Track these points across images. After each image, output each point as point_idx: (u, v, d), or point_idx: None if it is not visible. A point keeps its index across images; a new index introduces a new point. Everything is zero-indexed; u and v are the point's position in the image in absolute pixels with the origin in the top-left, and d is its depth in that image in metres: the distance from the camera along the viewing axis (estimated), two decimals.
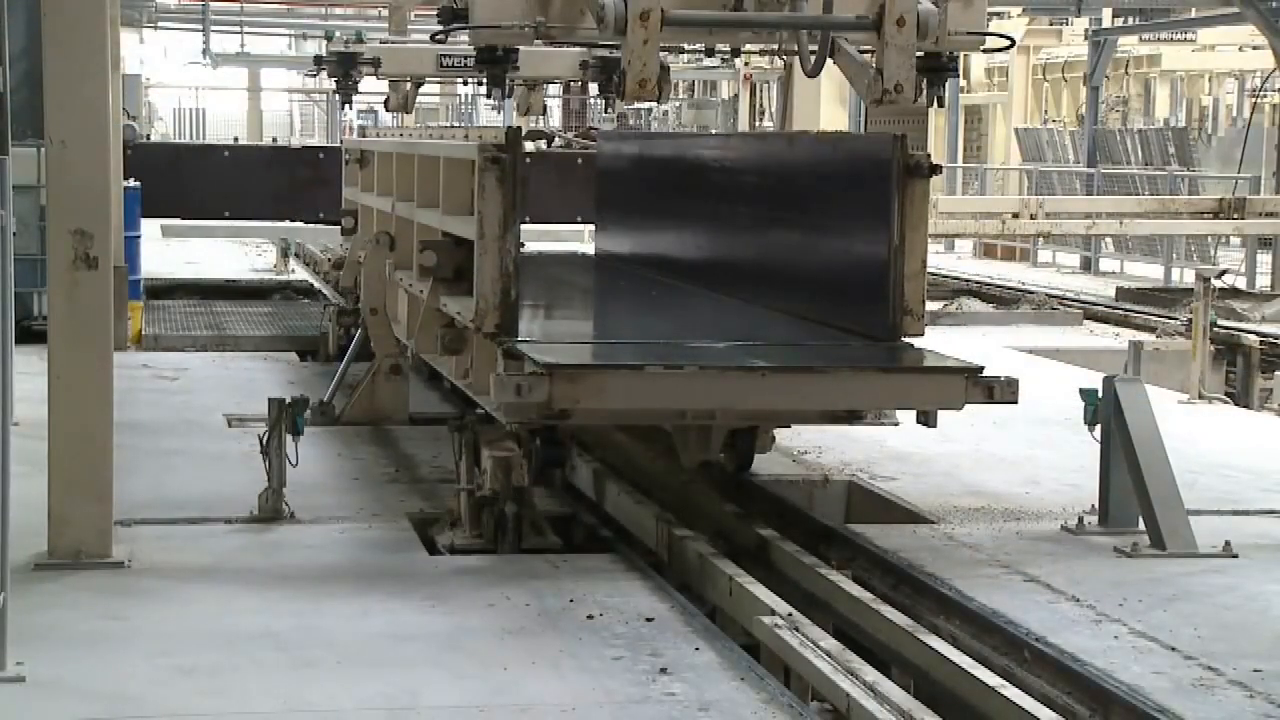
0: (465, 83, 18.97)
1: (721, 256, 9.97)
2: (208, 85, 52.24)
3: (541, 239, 18.76)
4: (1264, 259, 23.52)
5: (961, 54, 8.05)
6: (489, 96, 9.99)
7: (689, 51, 21.73)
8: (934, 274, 19.67)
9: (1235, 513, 8.68)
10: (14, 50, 6.50)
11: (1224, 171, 29.29)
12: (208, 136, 48.99)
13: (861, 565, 7.68)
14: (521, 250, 7.74)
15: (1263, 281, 22.87)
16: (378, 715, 5.58)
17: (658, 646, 6.29)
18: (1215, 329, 13.51)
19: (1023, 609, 6.77)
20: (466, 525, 8.09)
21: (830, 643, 6.31)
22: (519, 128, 8.60)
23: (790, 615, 6.63)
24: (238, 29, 38.39)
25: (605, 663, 6.11)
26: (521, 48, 8.05)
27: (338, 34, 14.74)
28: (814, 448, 10.06)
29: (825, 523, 8.45)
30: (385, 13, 18.00)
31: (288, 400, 8.12)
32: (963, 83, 38.35)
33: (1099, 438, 8.24)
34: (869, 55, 7.36)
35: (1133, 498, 7.97)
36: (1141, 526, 7.92)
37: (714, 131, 32.29)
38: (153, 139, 27.29)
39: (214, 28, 37.07)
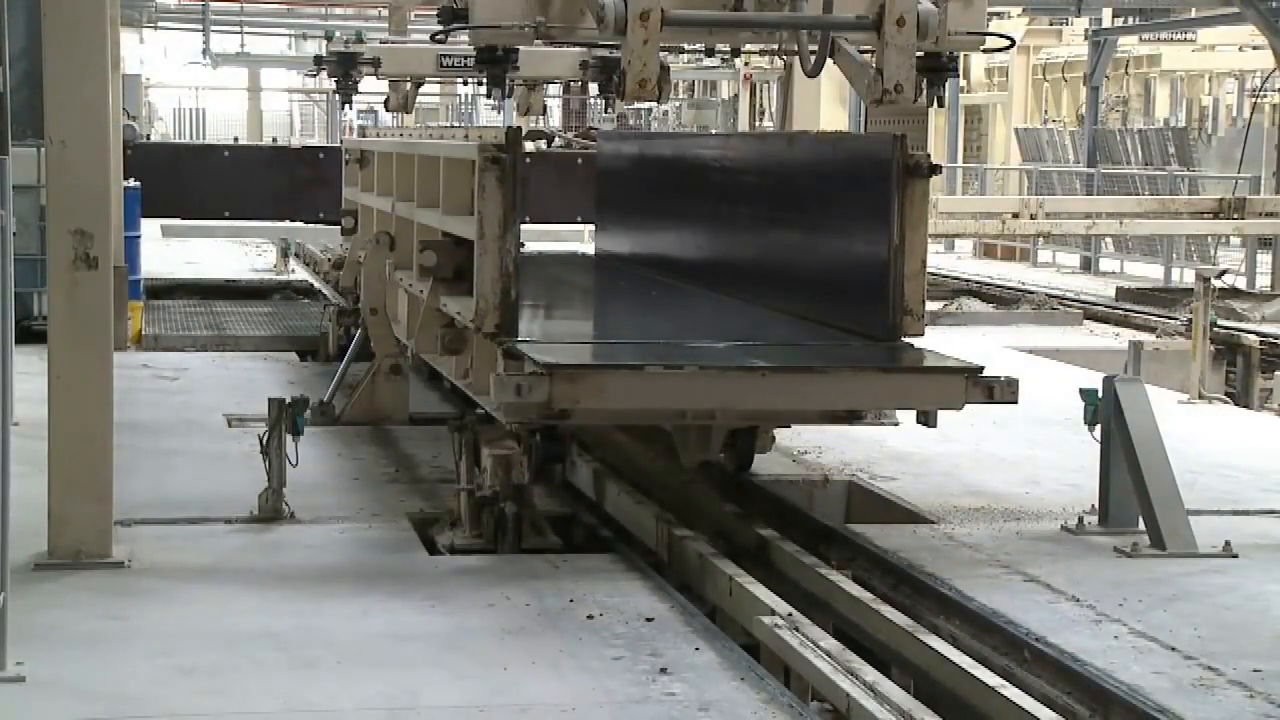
0: (465, 83, 18.97)
1: (721, 256, 9.97)
2: (208, 85, 52.24)
3: (541, 239, 18.76)
4: (1264, 259, 23.52)
5: (961, 54, 8.05)
6: (489, 96, 9.99)
7: (689, 51, 21.73)
8: (934, 274, 19.68)
9: (1235, 513, 8.68)
10: (14, 50, 6.50)
11: (1224, 171, 29.30)
12: (208, 136, 48.99)
13: (861, 565, 7.68)
14: (521, 250, 7.74)
15: (1263, 281, 22.87)
16: (378, 715, 5.58)
17: (658, 646, 6.29)
18: (1215, 329, 13.51)
19: (1023, 609, 6.77)
20: (466, 525, 8.09)
21: (830, 643, 6.31)
22: (519, 128, 8.60)
23: (790, 615, 6.63)
24: (238, 29, 38.40)
25: (605, 663, 6.11)
26: (521, 48, 8.05)
27: (338, 34, 14.74)
28: (814, 448, 10.06)
29: (825, 523, 8.45)
30: (385, 13, 18.00)
31: (288, 400, 8.12)
32: (963, 83, 38.35)
33: (1099, 438, 8.24)
34: (869, 55, 7.36)
35: (1133, 498, 7.97)
36: (1141, 526, 7.92)
37: (714, 131, 32.29)
38: (153, 139, 27.29)
39: (214, 28, 37.08)
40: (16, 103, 6.40)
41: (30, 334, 11.66)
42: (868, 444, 10.10)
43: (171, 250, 23.00)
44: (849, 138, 11.90)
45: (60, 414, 7.22)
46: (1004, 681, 5.96)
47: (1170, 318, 17.87)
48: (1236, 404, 13.77)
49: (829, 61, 7.45)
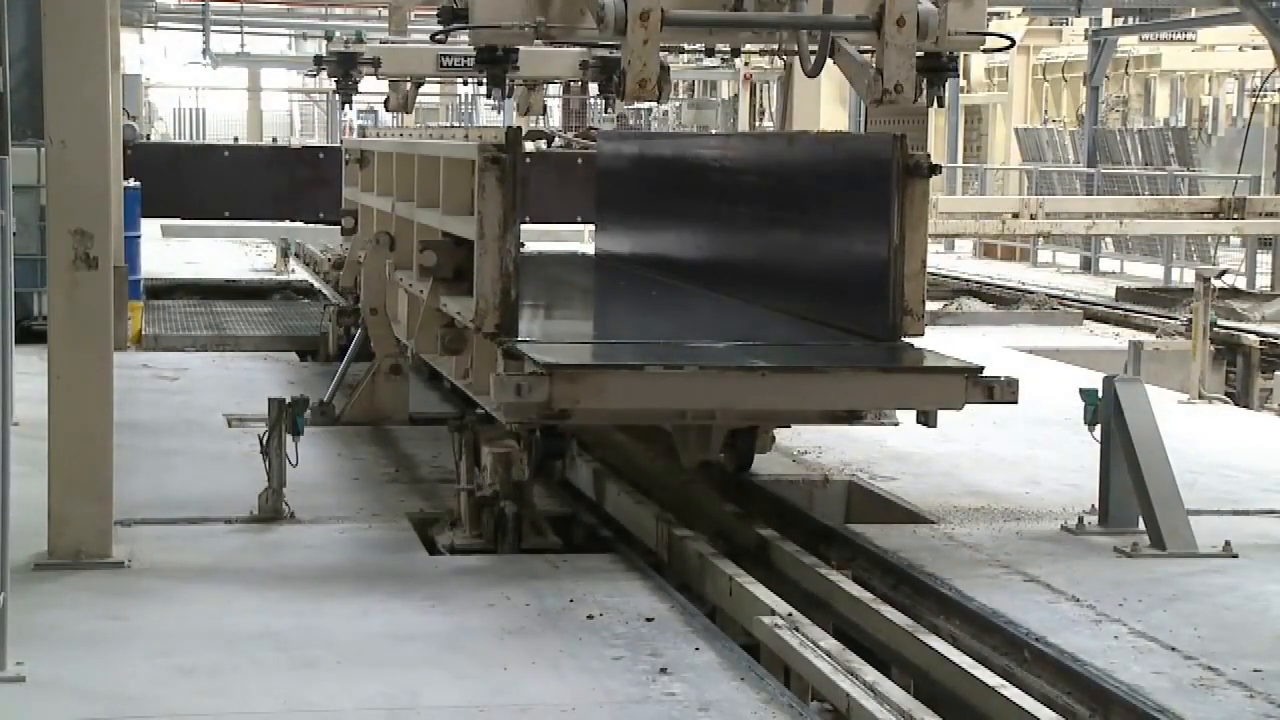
0: (465, 83, 18.97)
1: (721, 256, 9.97)
2: (208, 85, 52.25)
3: (541, 239, 18.76)
4: (1264, 259, 23.52)
5: (961, 54, 8.05)
6: (489, 96, 9.99)
7: (689, 51, 21.73)
8: (934, 274, 19.68)
9: (1235, 513, 8.68)
10: (14, 50, 6.50)
11: (1224, 171, 29.30)
12: (208, 136, 49.00)
13: (861, 565, 7.68)
14: (521, 250, 7.74)
15: (1263, 281, 22.88)
16: (378, 715, 5.58)
17: (658, 646, 6.29)
18: (1215, 329, 13.51)
19: (1023, 609, 6.77)
20: (466, 525, 8.09)
21: (830, 643, 6.31)
22: (519, 128, 8.60)
23: (790, 615, 6.63)
24: (238, 29, 38.39)
25: (605, 663, 6.11)
26: (521, 48, 8.05)
27: (338, 34, 14.74)
28: (814, 448, 10.06)
29: (825, 523, 8.45)
30: (385, 13, 18.00)
31: (288, 400, 8.12)
32: (963, 83, 38.35)
33: (1099, 438, 8.24)
34: (869, 55, 7.36)
35: (1133, 498, 7.97)
36: (1141, 526, 7.92)
37: (714, 131, 32.29)
38: (153, 139, 27.29)
39: (214, 28, 37.08)
40: (16, 103, 6.40)
41: (30, 334, 11.66)
42: (868, 444, 10.10)
43: (171, 250, 23.00)
44: (849, 138, 11.90)
45: (60, 414, 7.22)
46: (1004, 681, 5.96)
47: (1170, 318, 17.87)
48: (1236, 404, 13.77)
49: (829, 61, 7.45)
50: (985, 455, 10.10)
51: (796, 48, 7.80)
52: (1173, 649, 6.31)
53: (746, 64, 28.56)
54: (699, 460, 8.06)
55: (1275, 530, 8.37)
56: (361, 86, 14.23)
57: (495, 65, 7.89)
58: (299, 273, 20.42)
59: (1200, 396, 12.54)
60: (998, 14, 30.25)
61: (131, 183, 14.63)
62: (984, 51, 8.12)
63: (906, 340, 7.84)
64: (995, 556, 7.65)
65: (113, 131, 10.28)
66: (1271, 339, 15.89)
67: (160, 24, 36.51)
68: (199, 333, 14.82)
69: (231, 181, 16.24)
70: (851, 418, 8.09)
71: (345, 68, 13.75)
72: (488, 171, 7.58)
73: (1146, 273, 25.24)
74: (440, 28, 8.01)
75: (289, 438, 8.06)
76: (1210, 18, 28.00)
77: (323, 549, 7.74)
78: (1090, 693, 5.91)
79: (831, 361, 7.67)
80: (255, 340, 14.53)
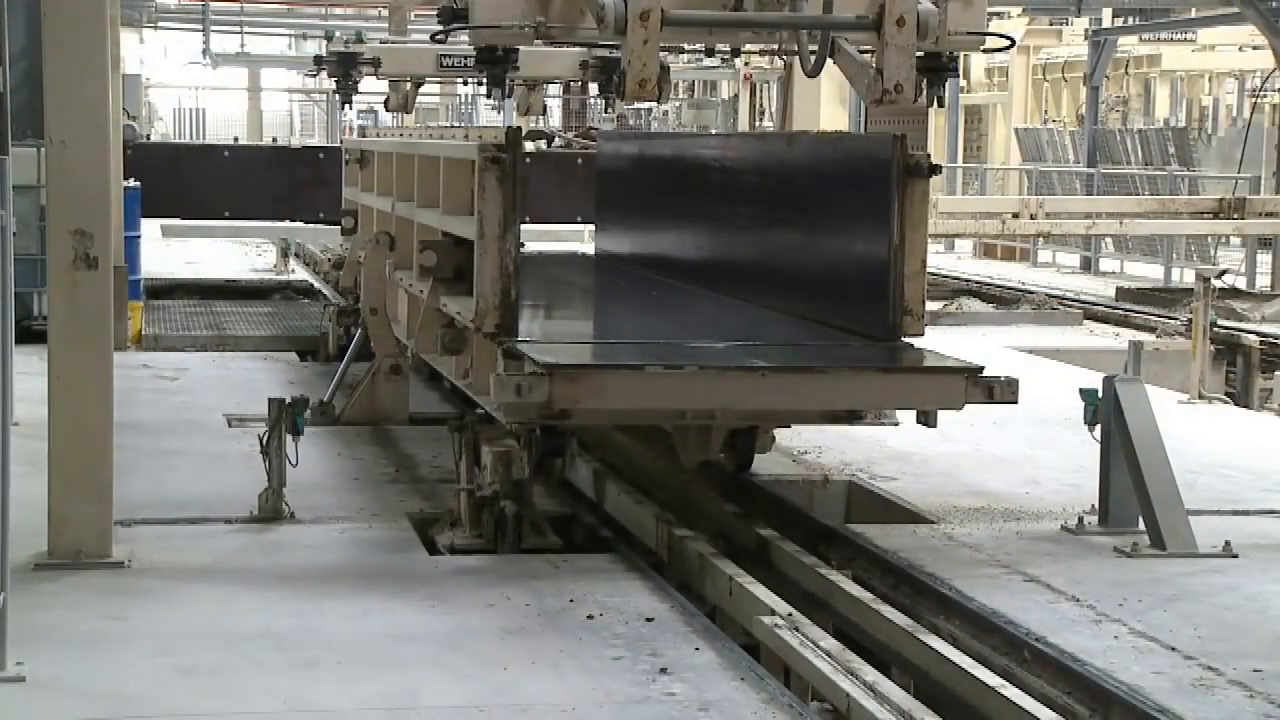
0: (465, 83, 18.97)
1: (721, 256, 9.97)
2: (208, 85, 52.26)
3: (541, 239, 18.76)
4: (1264, 259, 23.52)
5: (961, 54, 8.05)
6: (489, 96, 9.99)
7: (689, 51, 21.72)
8: (934, 274, 19.68)
9: (1235, 513, 8.68)
10: (14, 50, 6.50)
11: (1224, 171, 29.30)
12: (208, 136, 49.02)
13: (861, 565, 7.68)
14: (521, 250, 7.74)
15: (1263, 281, 22.88)
16: (378, 715, 5.58)
17: (658, 646, 6.29)
18: (1215, 329, 13.51)
19: (1023, 609, 6.77)
20: (466, 525, 8.09)
21: (830, 643, 6.31)
22: (519, 128, 8.60)
23: (790, 615, 6.63)
24: (238, 29, 38.39)
25: (605, 663, 6.11)
26: (521, 48, 8.05)
27: (338, 34, 14.73)
28: (814, 448, 10.06)
29: (825, 523, 8.44)
30: (385, 13, 18.00)
31: (288, 400, 8.12)
32: (963, 83, 38.35)
33: (1099, 438, 8.24)
34: (869, 55, 7.36)
35: (1133, 498, 7.97)
36: (1141, 526, 7.92)
37: (714, 131, 32.29)
38: (153, 139, 27.29)
39: (214, 28, 37.08)
40: (16, 103, 6.40)
41: (30, 334, 11.66)
42: (868, 444, 10.10)
43: (171, 250, 23.00)
44: (849, 138, 11.90)
45: (60, 414, 7.22)
46: (1004, 681, 5.96)
47: (1170, 318, 17.87)
48: (1236, 404, 13.77)
49: (829, 61, 7.45)
50: (985, 455, 10.10)
51: (796, 48, 7.80)
52: (1173, 649, 6.31)
53: (746, 64, 28.57)
54: (699, 460, 8.06)
55: (1275, 530, 8.37)
56: (361, 86, 14.23)
57: (495, 65, 7.89)
58: (299, 273, 20.42)
59: (1200, 396, 12.54)
60: (998, 14, 30.25)
61: (131, 183, 14.64)
62: (984, 51, 8.12)
63: (906, 340, 7.84)
64: (995, 556, 7.65)
65: (113, 131, 10.28)
66: (1271, 339, 15.89)
67: (160, 24, 36.52)
68: (199, 333, 14.82)
69: (231, 181, 16.24)
70: (851, 418, 8.09)
71: (345, 68, 13.75)
72: (488, 171, 7.58)
73: (1146, 273, 25.24)
74: (440, 28, 8.01)
75: (289, 438, 8.06)
76: (1210, 18, 28.00)
77: (323, 549, 7.74)
78: (1090, 693, 5.91)
79: (831, 361, 7.67)
80: (255, 340, 14.54)
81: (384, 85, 15.25)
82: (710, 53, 13.25)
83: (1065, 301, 20.43)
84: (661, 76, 7.02)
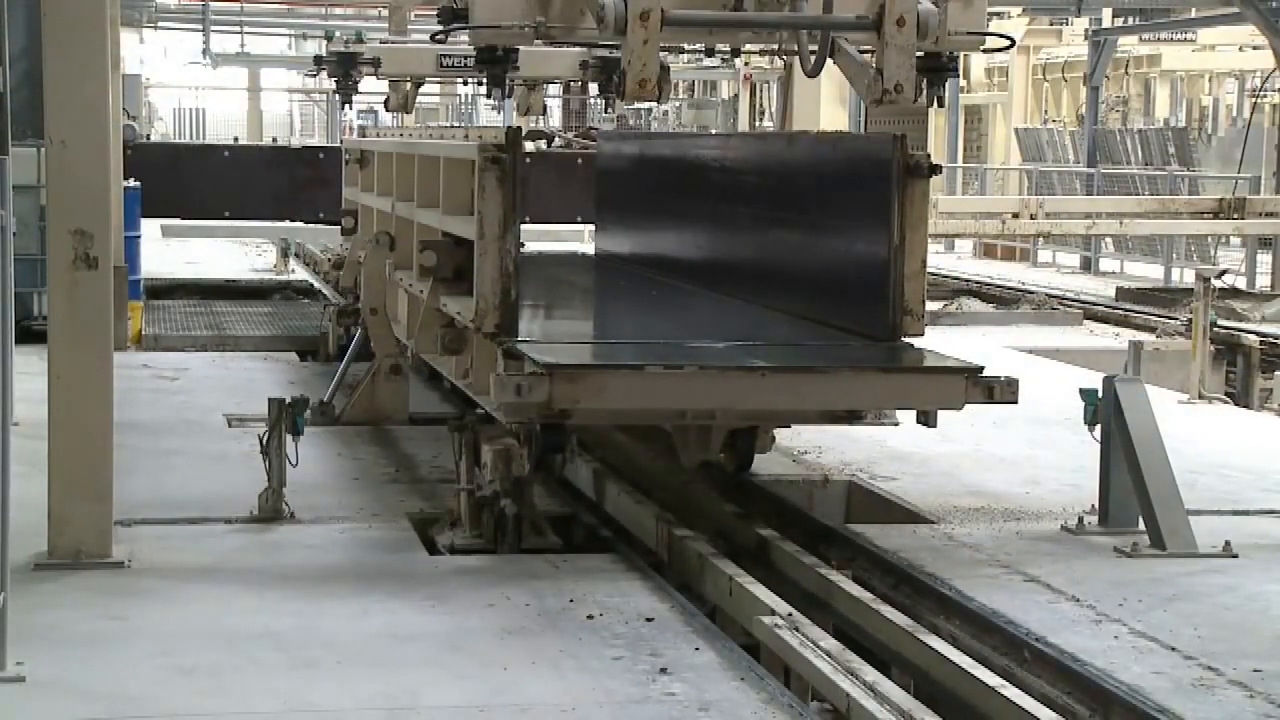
0: (465, 83, 18.96)
1: (721, 256, 9.97)
2: (208, 85, 52.27)
3: (541, 239, 18.77)
4: (1264, 259, 23.52)
5: (961, 54, 8.05)
6: (489, 96, 9.99)
7: (689, 51, 21.72)
8: (934, 274, 19.68)
9: (1235, 513, 8.68)
10: (14, 50, 6.49)
11: (1224, 171, 29.30)
12: (208, 136, 49.03)
13: (861, 565, 7.68)
14: (521, 250, 7.74)
15: (1263, 281, 22.88)
16: (378, 715, 5.58)
17: (658, 646, 6.29)
18: (1215, 329, 13.51)
19: (1023, 609, 6.77)
20: (466, 525, 8.09)
21: (830, 643, 6.31)
22: (519, 128, 8.60)
23: (790, 615, 6.63)
24: (238, 29, 38.39)
25: (605, 663, 6.11)
26: (521, 48, 8.05)
27: (338, 34, 14.73)
28: (814, 448, 10.06)
29: (825, 523, 8.45)
30: (385, 13, 18.00)
31: (288, 400, 8.12)
32: (963, 83, 38.36)
33: (1099, 438, 8.24)
34: (869, 55, 7.36)
35: (1133, 498, 7.97)
36: (1141, 526, 7.92)
37: (714, 131, 32.29)
38: (153, 139, 27.29)
39: (214, 28, 37.07)
40: (16, 103, 6.39)
41: (30, 334, 11.66)
42: (868, 444, 10.10)
43: (171, 250, 23.00)
44: (849, 138, 11.90)
45: (60, 414, 7.22)
46: (1004, 681, 5.96)
47: (1170, 318, 17.87)
48: (1236, 404, 13.77)
49: (829, 61, 7.45)
50: (985, 455, 10.10)
51: (796, 48, 7.80)
52: (1173, 649, 6.31)
53: (746, 64, 28.57)
54: (699, 460, 8.06)
55: (1275, 530, 8.37)
56: (361, 86, 14.23)
57: (495, 65, 7.89)
58: (299, 273, 20.42)
59: (1200, 396, 12.54)
60: (998, 14, 30.26)
61: (131, 183, 14.63)
62: (984, 51, 8.12)
63: (906, 340, 7.85)
64: (995, 556, 7.65)
65: (113, 131, 10.28)
66: (1271, 339, 15.89)
67: (160, 24, 36.52)
68: (199, 333, 14.82)
69: (231, 181, 16.23)
70: (851, 418, 8.09)
71: (345, 68, 13.76)
72: (488, 171, 7.58)
73: (1146, 273, 25.24)
74: (440, 28, 8.01)
75: (289, 438, 8.06)
76: (1210, 18, 28.00)
77: (323, 549, 7.74)
78: (1090, 693, 5.91)
79: (831, 361, 7.67)
80: (255, 340, 14.54)
81: (384, 85, 15.25)
82: (710, 53, 13.26)
83: (1065, 301, 20.43)
84: (661, 76, 7.02)
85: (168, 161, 16.30)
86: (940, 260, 26.04)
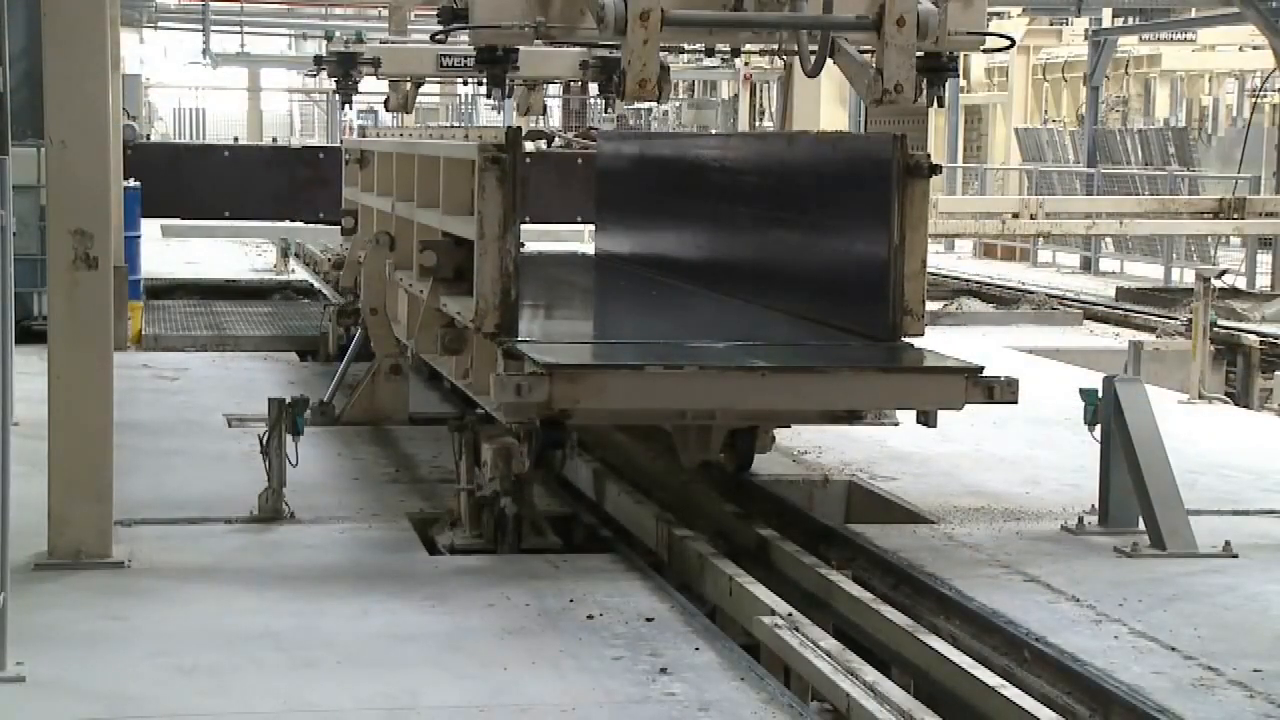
0: (465, 83, 18.97)
1: (721, 256, 9.97)
2: (208, 85, 52.26)
3: (541, 239, 18.77)
4: (1264, 259, 23.52)
5: (961, 54, 8.05)
6: (489, 96, 9.99)
7: (689, 51, 21.73)
8: (934, 274, 19.68)
9: (1235, 513, 8.68)
10: (14, 50, 6.50)
11: (1224, 171, 29.30)
12: (208, 136, 49.03)
13: (861, 565, 7.68)
14: (521, 250, 7.74)
15: (1263, 281, 22.88)
16: (378, 715, 5.58)
17: (658, 646, 6.29)
18: (1215, 329, 13.51)
19: (1023, 609, 6.77)
20: (466, 525, 8.09)
21: (830, 643, 6.31)
22: (519, 128, 8.60)
23: (790, 615, 6.63)
24: (238, 29, 38.40)
25: (605, 663, 6.11)
26: (521, 48, 8.05)
27: (338, 34, 14.74)
28: (814, 448, 10.06)
29: (825, 523, 8.45)
30: (385, 13, 18.00)
31: (288, 400, 8.12)
32: (963, 83, 38.36)
33: (1099, 438, 8.24)
34: (869, 55, 7.36)
35: (1133, 498, 7.97)
36: (1141, 526, 7.92)
37: (714, 131, 32.29)
38: (153, 139, 27.29)
39: (214, 28, 37.08)
40: (16, 103, 6.39)
41: (30, 334, 11.66)
42: (868, 444, 10.10)
43: (171, 250, 23.00)
44: (849, 138, 11.90)
45: (60, 414, 7.22)
46: (1004, 681, 5.96)
47: (1170, 318, 17.87)
48: (1236, 404, 13.77)
49: (829, 61, 7.45)
50: (985, 455, 10.10)
51: (796, 48, 7.80)
52: (1173, 649, 6.31)
53: (746, 64, 28.57)
54: (699, 460, 8.06)
55: (1275, 530, 8.37)
56: (361, 86, 14.23)
57: (495, 65, 7.89)
58: (299, 273, 20.42)
59: (1200, 396, 12.53)
60: (998, 14, 30.25)
61: (131, 183, 14.63)
62: (984, 51, 8.12)
63: (906, 340, 7.85)
64: (995, 556, 7.65)
65: (113, 131, 10.28)
66: (1271, 339, 15.89)
67: (160, 24, 36.52)
68: (199, 333, 14.82)
69: (231, 181, 16.23)
70: (851, 418, 8.09)
71: (345, 68, 13.76)
72: (488, 171, 7.58)
73: (1146, 273, 25.24)
74: (440, 28, 8.01)
75: (289, 438, 8.06)
76: (1210, 18, 28.00)
77: (323, 549, 7.74)
78: (1090, 693, 5.91)
79: (831, 361, 7.67)
80: (255, 340, 14.54)
81: (384, 85, 15.25)
82: (710, 53, 13.25)
83: (1065, 301, 20.43)
84: (661, 76, 7.02)
85: (168, 161, 16.30)
86: (940, 260, 26.04)
